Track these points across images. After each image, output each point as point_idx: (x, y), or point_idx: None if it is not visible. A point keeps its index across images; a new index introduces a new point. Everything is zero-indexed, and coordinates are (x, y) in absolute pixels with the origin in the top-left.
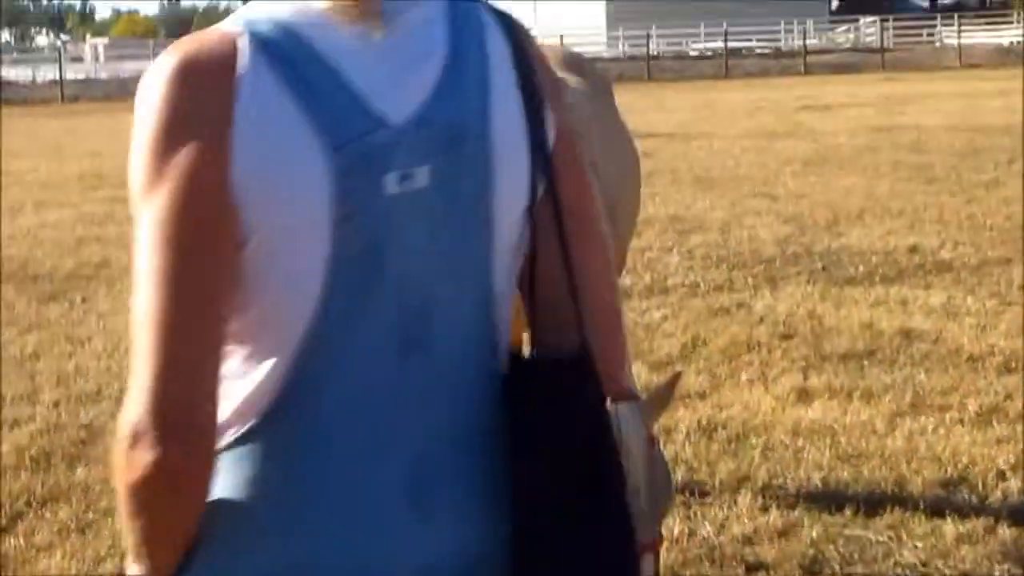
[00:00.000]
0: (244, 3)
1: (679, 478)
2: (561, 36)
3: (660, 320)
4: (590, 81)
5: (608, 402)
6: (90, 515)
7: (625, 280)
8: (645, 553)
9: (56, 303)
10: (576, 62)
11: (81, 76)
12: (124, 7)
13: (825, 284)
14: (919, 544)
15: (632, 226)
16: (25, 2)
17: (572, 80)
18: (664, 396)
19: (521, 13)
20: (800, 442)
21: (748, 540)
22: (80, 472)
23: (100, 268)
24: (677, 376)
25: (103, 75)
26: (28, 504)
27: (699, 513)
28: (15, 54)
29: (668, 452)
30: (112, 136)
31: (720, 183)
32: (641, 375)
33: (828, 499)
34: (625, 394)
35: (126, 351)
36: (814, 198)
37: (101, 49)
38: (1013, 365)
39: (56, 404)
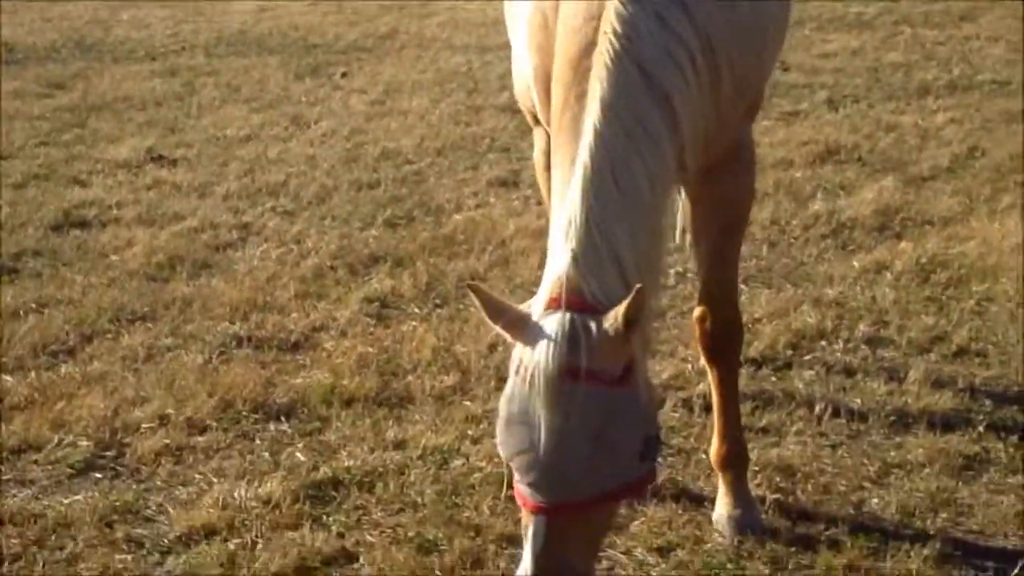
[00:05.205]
0: None
1: (861, 331)
2: None
3: (942, 124)
4: None
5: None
6: (166, 341)
7: (928, 75)
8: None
9: (310, 78)
10: None
11: None
12: None
13: None
14: None
15: (778, 53)
16: None
17: None
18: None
19: None
20: None
21: (890, 436)
22: (197, 284)
23: (383, 40)
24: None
25: None
26: (113, 321)
27: (843, 389)
28: None
29: (864, 298)
30: None
31: None
32: (884, 192)
33: None
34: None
35: (349, 135)
36: None
37: None
38: None
39: (227, 197)
